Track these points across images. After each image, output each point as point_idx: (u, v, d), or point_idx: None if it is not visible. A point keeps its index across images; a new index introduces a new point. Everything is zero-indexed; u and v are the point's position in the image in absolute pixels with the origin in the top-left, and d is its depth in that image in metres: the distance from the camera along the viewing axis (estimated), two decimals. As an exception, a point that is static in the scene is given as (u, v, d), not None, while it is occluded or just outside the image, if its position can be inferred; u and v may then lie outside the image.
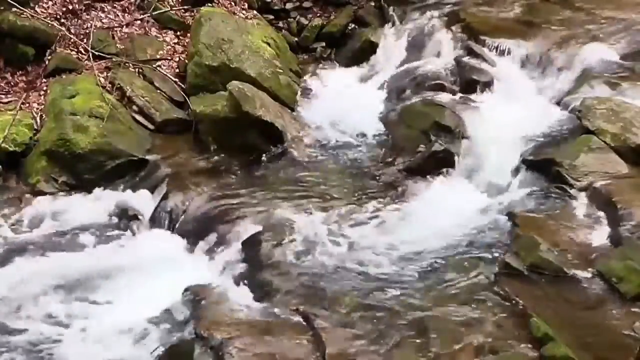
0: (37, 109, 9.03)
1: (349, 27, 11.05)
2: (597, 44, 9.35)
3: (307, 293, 6.66)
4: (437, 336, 5.99)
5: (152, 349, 6.38)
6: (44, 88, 9.24)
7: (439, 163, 8.40)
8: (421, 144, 8.66)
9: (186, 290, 6.86)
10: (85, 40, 9.64)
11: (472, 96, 9.10)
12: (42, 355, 6.38)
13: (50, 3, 9.90)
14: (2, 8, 9.27)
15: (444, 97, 9.14)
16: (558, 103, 8.78)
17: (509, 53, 9.54)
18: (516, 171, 8.09)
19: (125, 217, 8.13)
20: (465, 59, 9.59)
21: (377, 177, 8.50)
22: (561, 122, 8.45)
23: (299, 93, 9.95)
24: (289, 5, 11.16)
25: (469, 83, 9.25)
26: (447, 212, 7.66)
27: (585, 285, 6.50)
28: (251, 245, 7.33)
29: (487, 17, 10.36)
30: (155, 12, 10.25)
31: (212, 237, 7.64)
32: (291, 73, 10.07)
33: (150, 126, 9.10)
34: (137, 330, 6.55)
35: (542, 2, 10.63)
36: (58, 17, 9.81)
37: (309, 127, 9.41)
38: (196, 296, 6.75)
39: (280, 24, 11.05)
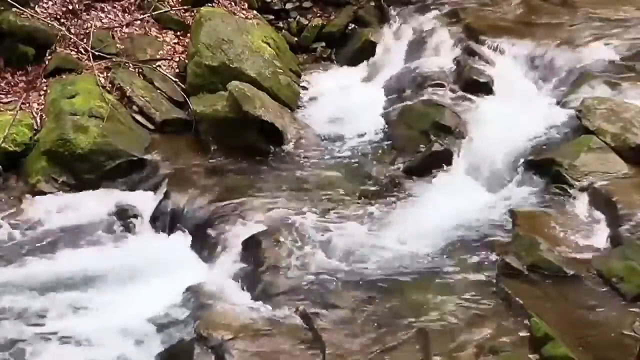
0: (37, 109, 9.02)
1: (349, 27, 11.05)
2: (597, 44, 9.35)
3: (307, 293, 6.67)
4: (437, 336, 6.00)
5: (152, 349, 6.38)
6: (44, 88, 9.23)
7: (439, 163, 8.40)
8: (421, 144, 8.66)
9: (186, 290, 6.86)
10: (85, 40, 9.64)
11: (472, 96, 9.09)
12: (41, 354, 6.37)
13: (50, 3, 9.89)
14: (2, 8, 9.26)
15: (444, 97, 9.14)
16: (558, 103, 8.78)
17: (509, 53, 9.54)
18: (516, 171, 8.09)
19: (126, 217, 8.13)
20: (465, 59, 9.59)
21: (377, 177, 8.49)
22: (561, 122, 8.45)
23: (299, 93, 9.95)
24: (289, 5, 11.16)
25: (469, 83, 9.24)
26: (447, 212, 7.66)
27: (585, 285, 6.51)
28: (251, 245, 7.33)
29: (487, 17, 10.36)
30: (155, 12, 10.25)
31: (212, 237, 7.64)
32: (291, 73, 10.07)
33: (150, 126, 9.09)
34: (137, 330, 6.54)
35: (542, 2, 10.63)
36: (58, 17, 9.80)
37: (309, 127, 9.41)
38: (196, 296, 6.76)
39: (280, 24, 11.05)
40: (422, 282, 6.72)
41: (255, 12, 10.79)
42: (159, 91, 9.44)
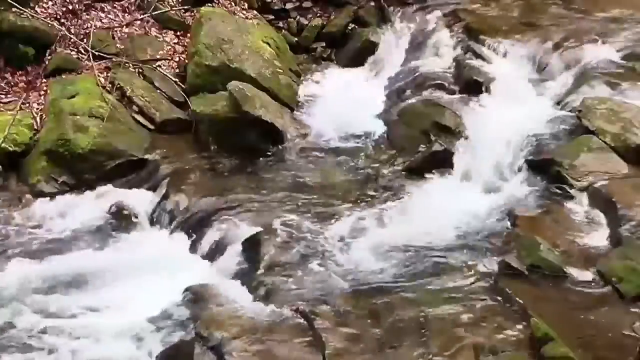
0: (37, 109, 9.02)
1: (349, 27, 11.05)
2: (597, 44, 9.35)
3: (307, 293, 6.66)
4: (437, 336, 5.99)
5: (152, 349, 6.38)
6: (44, 88, 9.24)
7: (439, 163, 8.40)
8: (421, 144, 8.66)
9: (186, 290, 6.86)
10: (85, 40, 9.64)
11: (472, 96, 9.08)
12: (41, 355, 6.37)
13: (50, 3, 9.90)
14: (2, 8, 9.26)
15: (444, 97, 9.13)
16: (558, 103, 8.78)
17: (509, 53, 9.54)
18: (516, 171, 8.09)
19: (125, 217, 8.13)
20: (465, 59, 9.59)
21: (377, 177, 8.49)
22: (561, 122, 8.44)
23: (299, 93, 9.94)
24: (289, 5, 11.16)
25: (469, 83, 9.24)
26: (447, 213, 7.66)
27: (585, 285, 6.51)
28: (251, 245, 7.33)
29: (487, 17, 10.36)
30: (155, 12, 10.24)
31: (212, 237, 7.63)
32: (291, 73, 10.07)
33: (150, 126, 9.09)
34: (137, 330, 6.55)
35: (542, 2, 10.64)
36: (58, 17, 9.81)
37: (309, 127, 9.41)
38: (196, 296, 6.76)
39: (280, 24, 11.05)
40: (422, 282, 6.71)
41: (255, 12, 10.79)
42: (159, 91, 9.44)
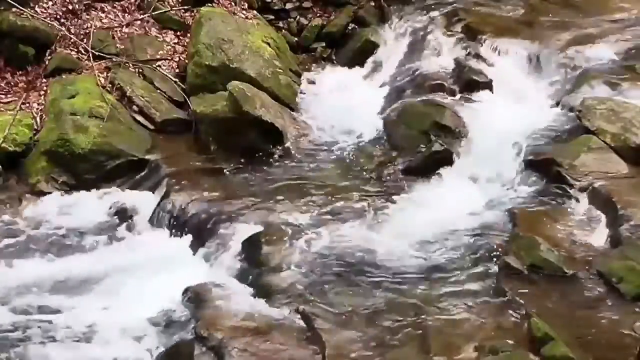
0: (37, 109, 9.02)
1: (349, 27, 11.03)
2: (597, 44, 9.36)
3: (307, 293, 6.67)
4: (437, 336, 6.00)
5: (152, 349, 6.38)
6: (44, 88, 9.23)
7: (438, 163, 8.40)
8: (421, 144, 8.66)
9: (186, 290, 6.86)
10: (85, 40, 9.64)
11: (472, 96, 9.10)
12: (41, 355, 6.37)
13: (50, 3, 9.89)
14: (2, 8, 9.26)
15: (444, 97, 9.14)
16: (558, 103, 8.79)
17: (509, 53, 9.55)
18: (516, 171, 8.10)
19: (125, 217, 8.14)
20: (465, 59, 9.59)
21: (377, 177, 8.49)
22: (561, 122, 8.46)
23: (299, 93, 9.93)
24: (289, 5, 11.14)
25: (469, 83, 9.25)
26: (447, 213, 7.66)
27: (585, 285, 6.52)
28: (251, 245, 7.33)
29: (487, 17, 10.36)
30: (155, 12, 10.24)
31: (212, 237, 7.63)
32: (291, 73, 10.06)
33: (150, 126, 9.09)
34: (137, 330, 6.55)
35: (542, 2, 10.64)
36: (58, 17, 9.80)
37: (309, 127, 9.41)
38: (196, 296, 6.75)
39: (280, 24, 11.04)
40: (422, 282, 6.72)
41: (255, 12, 10.77)
42: (159, 91, 9.43)
